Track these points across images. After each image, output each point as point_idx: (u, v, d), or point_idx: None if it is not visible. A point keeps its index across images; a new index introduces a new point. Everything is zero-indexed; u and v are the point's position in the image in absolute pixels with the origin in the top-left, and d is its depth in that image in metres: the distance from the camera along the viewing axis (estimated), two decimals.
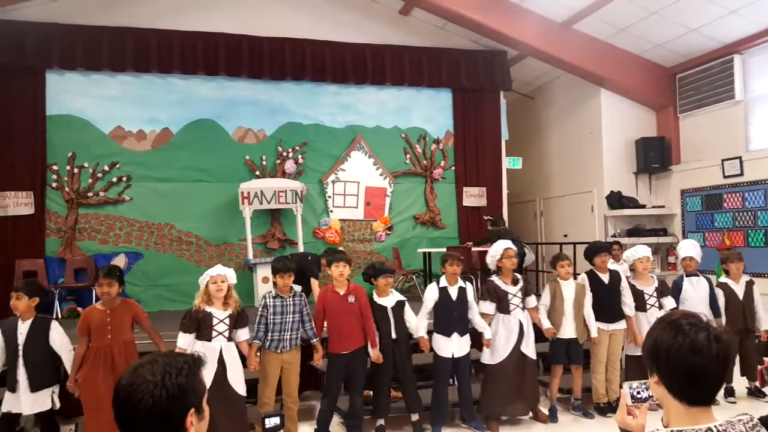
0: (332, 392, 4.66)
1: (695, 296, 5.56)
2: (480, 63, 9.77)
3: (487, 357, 4.97)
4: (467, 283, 5.07)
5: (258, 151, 8.95)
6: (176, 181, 8.55)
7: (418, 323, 4.87)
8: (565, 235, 10.26)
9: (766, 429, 1.53)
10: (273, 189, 8.36)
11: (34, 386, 4.18)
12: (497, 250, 5.09)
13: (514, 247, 5.14)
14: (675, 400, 1.52)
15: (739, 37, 8.06)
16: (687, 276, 5.70)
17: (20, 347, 4.19)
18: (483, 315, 4.96)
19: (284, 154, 9.05)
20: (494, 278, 5.10)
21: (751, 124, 8.16)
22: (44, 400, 4.24)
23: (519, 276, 5.14)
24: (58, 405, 4.33)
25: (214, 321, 4.17)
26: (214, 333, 4.16)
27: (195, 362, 1.47)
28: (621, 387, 2.11)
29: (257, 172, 8.90)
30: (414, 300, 5.14)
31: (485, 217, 9.11)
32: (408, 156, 9.72)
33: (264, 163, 8.96)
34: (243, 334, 4.35)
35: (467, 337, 4.93)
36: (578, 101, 10.12)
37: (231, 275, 4.30)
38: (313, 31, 9.01)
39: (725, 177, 8.27)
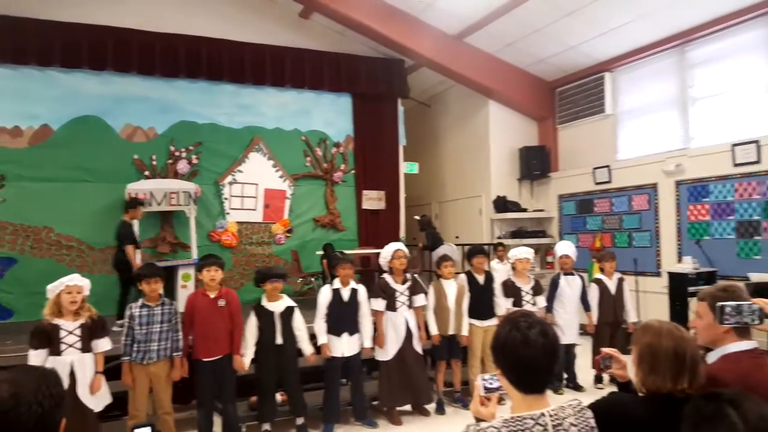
0: (205, 401, 4.58)
1: (569, 293, 6.23)
2: (379, 70, 10.03)
3: (380, 353, 5.19)
4: (360, 285, 5.24)
5: (148, 151, 8.58)
6: (56, 181, 7.99)
7: (316, 328, 4.97)
8: (457, 237, 10.78)
9: (596, 415, 1.72)
10: (164, 190, 8.05)
11: None
12: (388, 252, 5.32)
13: (404, 249, 5.39)
14: (514, 389, 1.70)
15: (609, 56, 8.90)
16: (564, 274, 6.29)
17: None
18: (374, 312, 5.17)
19: (176, 153, 8.75)
20: (386, 276, 5.33)
21: (618, 136, 9.04)
22: None
23: (408, 276, 5.40)
24: None
25: (62, 333, 3.91)
26: (63, 346, 3.90)
27: (56, 372, 1.49)
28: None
29: (146, 173, 8.53)
30: (314, 302, 5.23)
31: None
32: (308, 159, 9.75)
33: (154, 163, 8.61)
34: (102, 344, 4.12)
35: (357, 336, 5.10)
36: (469, 111, 10.67)
37: (87, 287, 4.08)
38: (208, 28, 8.81)
39: (596, 184, 9.08)
